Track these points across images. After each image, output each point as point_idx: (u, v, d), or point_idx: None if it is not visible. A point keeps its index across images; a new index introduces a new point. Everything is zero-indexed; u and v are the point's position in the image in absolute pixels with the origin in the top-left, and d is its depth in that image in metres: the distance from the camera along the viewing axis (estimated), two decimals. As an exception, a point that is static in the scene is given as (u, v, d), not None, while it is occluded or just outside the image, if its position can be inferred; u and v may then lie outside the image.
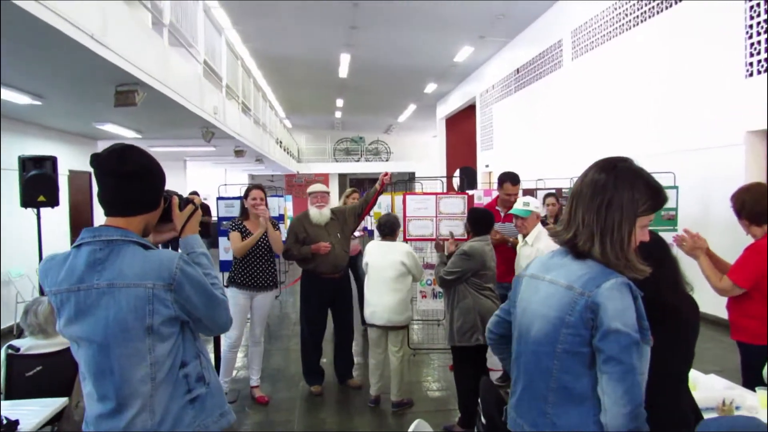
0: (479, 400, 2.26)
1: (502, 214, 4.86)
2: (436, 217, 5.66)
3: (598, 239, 1.49)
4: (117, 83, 5.20)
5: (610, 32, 9.01)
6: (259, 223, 4.42)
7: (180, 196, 1.91)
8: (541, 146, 11.86)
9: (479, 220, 4.02)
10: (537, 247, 3.90)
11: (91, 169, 1.70)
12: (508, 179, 4.80)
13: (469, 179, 13.92)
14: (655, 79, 7.89)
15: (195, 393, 1.71)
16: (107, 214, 1.71)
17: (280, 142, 18.83)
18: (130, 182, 1.69)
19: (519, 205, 4.05)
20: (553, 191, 7.49)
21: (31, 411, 2.77)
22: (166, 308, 1.62)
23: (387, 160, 28.48)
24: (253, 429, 4.24)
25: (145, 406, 1.63)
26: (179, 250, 1.82)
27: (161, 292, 1.61)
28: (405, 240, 5.53)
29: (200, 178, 18.58)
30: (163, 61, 5.83)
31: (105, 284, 1.60)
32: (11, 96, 5.80)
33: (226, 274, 4.75)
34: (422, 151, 27.82)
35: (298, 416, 4.46)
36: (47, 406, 2.85)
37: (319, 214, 4.75)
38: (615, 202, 1.49)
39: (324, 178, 25.21)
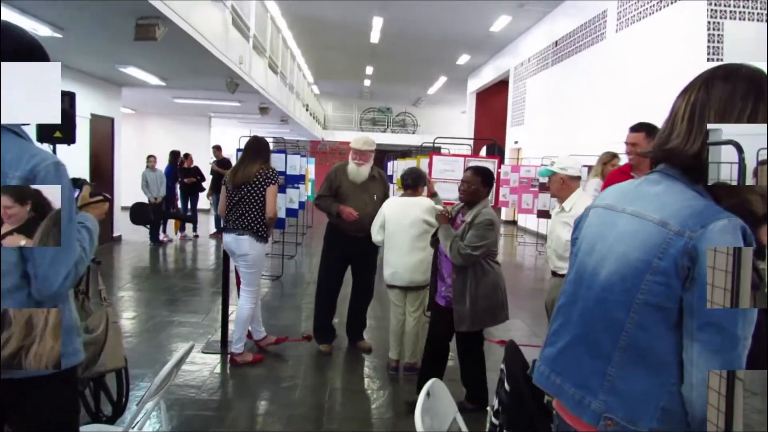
0: (502, 366, 2.01)
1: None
2: (463, 180, 5.34)
3: None
4: (138, 16, 4.97)
5: (659, 2, 8.47)
6: None
7: (92, 188, 1.83)
8: (575, 122, 11.38)
9: (490, 177, 3.54)
10: (576, 213, 3.56)
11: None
12: (629, 129, 3.71)
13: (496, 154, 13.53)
14: (702, 52, 7.39)
15: None
16: None
17: (307, 106, 18.54)
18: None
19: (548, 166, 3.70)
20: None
21: None
22: None
23: (413, 133, 28.07)
24: (255, 382, 4.09)
25: None
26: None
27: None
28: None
29: (225, 136, 18.40)
30: (188, -2, 5.57)
31: None
32: (31, 26, 5.60)
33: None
34: (450, 126, 27.31)
35: (303, 372, 4.28)
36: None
37: (356, 171, 4.49)
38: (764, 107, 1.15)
39: (348, 147, 24.97)
